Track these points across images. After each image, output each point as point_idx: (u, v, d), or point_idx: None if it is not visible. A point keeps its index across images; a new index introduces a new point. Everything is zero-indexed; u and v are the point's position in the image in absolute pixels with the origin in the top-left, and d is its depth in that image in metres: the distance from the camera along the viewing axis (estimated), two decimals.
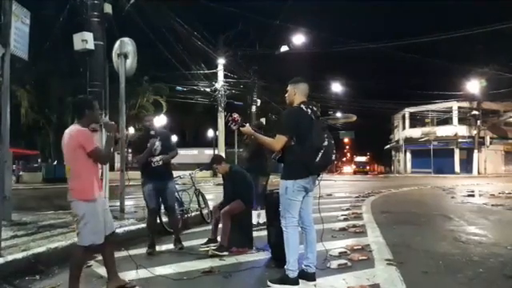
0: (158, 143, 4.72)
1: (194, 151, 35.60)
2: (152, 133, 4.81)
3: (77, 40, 6.50)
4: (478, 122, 33.58)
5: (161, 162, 4.73)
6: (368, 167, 47.87)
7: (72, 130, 3.06)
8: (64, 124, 26.52)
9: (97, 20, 6.80)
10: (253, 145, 5.90)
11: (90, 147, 3.01)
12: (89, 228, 3.00)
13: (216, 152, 23.22)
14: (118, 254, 4.27)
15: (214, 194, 9.95)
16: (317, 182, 3.44)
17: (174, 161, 5.03)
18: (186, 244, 4.88)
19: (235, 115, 3.68)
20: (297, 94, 3.49)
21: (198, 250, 4.65)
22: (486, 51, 31.00)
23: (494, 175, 30.42)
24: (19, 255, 3.79)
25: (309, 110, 3.35)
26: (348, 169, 49.78)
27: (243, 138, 4.88)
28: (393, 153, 47.29)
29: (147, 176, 4.77)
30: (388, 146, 48.03)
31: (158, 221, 5.36)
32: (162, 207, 5.01)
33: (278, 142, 3.33)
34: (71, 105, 4.89)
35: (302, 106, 3.38)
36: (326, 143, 3.23)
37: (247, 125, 3.67)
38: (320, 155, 3.18)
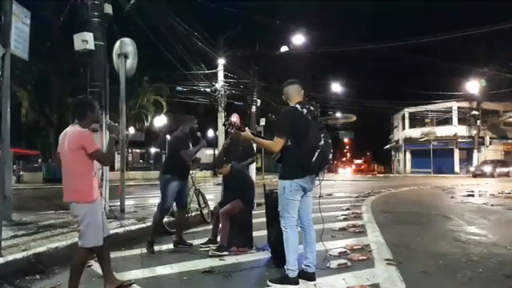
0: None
1: None
2: (198, 134, 4.99)
3: (77, 40, 6.51)
4: (478, 122, 33.54)
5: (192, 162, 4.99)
6: (362, 167, 57.68)
7: (72, 132, 3.00)
8: (65, 124, 26.39)
9: (97, 20, 6.81)
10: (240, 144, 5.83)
11: (92, 148, 2.97)
12: (91, 229, 3.00)
13: (216, 152, 23.23)
14: (118, 254, 4.30)
15: (213, 193, 9.93)
16: (316, 181, 3.45)
17: None
18: None
19: (233, 119, 3.67)
20: (290, 95, 3.52)
21: (198, 249, 4.67)
22: (486, 51, 30.96)
23: None
24: (19, 255, 3.79)
25: (304, 110, 3.36)
26: (346, 170, 51.87)
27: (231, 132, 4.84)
28: (392, 153, 47.30)
29: (179, 173, 4.81)
30: (388, 146, 48.03)
31: None
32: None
33: (276, 144, 3.34)
34: (72, 105, 4.95)
35: (298, 106, 3.40)
36: (322, 143, 3.24)
37: (246, 128, 3.66)
38: (316, 155, 3.19)
